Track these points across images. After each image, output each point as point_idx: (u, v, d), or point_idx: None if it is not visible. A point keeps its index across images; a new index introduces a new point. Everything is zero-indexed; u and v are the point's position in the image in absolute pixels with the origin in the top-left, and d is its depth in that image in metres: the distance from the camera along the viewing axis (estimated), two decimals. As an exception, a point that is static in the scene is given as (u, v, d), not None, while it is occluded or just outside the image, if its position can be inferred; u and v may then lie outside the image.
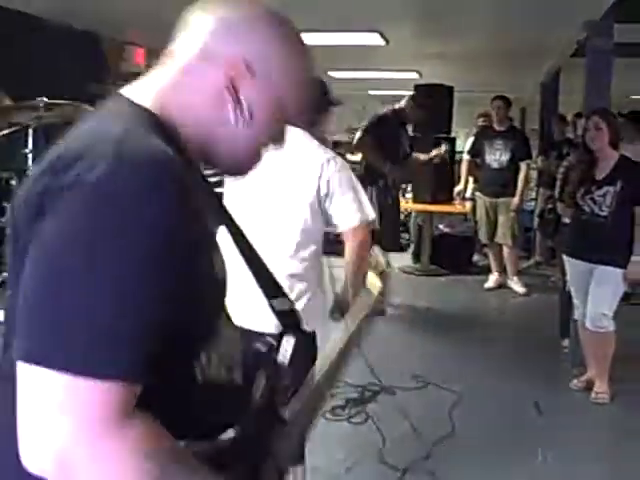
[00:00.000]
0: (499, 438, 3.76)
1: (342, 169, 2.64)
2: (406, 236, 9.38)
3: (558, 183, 4.94)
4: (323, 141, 2.83)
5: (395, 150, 6.12)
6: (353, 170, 2.91)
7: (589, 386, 4.36)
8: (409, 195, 7.90)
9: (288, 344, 1.07)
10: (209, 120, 0.95)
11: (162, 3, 3.62)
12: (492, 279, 7.26)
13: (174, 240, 0.79)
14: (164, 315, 0.78)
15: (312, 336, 0.94)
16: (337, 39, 6.66)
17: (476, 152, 7.29)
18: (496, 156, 6.96)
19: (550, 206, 5.74)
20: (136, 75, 0.99)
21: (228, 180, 2.58)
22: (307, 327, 2.21)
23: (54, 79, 5.63)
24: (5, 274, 3.64)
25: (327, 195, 2.59)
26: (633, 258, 4.04)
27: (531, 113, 11.84)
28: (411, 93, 6.53)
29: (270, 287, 1.11)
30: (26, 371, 0.75)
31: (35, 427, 0.75)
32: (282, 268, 2.38)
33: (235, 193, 2.57)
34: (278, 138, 1.05)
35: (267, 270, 1.12)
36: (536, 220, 7.90)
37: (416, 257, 8.18)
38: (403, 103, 6.28)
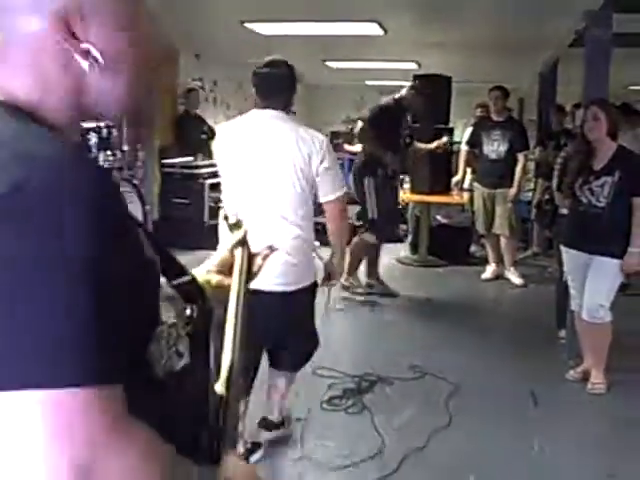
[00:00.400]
0: (496, 428, 3.77)
1: (331, 150, 3.16)
2: (404, 227, 9.38)
3: (556, 174, 4.94)
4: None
5: (396, 140, 6.11)
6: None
7: (585, 377, 4.37)
8: (407, 186, 7.89)
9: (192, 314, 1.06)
10: (66, 81, 0.88)
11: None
12: (489, 270, 7.27)
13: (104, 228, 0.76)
14: (117, 304, 0.76)
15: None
16: (335, 29, 6.65)
17: (474, 143, 7.29)
18: (494, 147, 6.96)
19: (547, 197, 5.75)
20: None
21: (219, 154, 3.29)
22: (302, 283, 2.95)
23: None
24: None
25: (318, 169, 3.05)
26: (629, 249, 4.05)
27: (529, 104, 11.82)
28: (411, 82, 6.50)
29: (172, 268, 1.09)
30: (17, 400, 0.71)
31: (41, 456, 0.71)
32: (285, 230, 3.01)
33: (230, 168, 3.16)
34: (156, 69, 1.01)
35: (166, 252, 1.10)
36: (533, 211, 7.91)
37: (414, 248, 8.17)
38: (404, 92, 6.27)
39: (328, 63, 9.46)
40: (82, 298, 0.73)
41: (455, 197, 7.91)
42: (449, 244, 7.87)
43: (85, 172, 0.78)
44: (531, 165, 8.45)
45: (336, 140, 10.58)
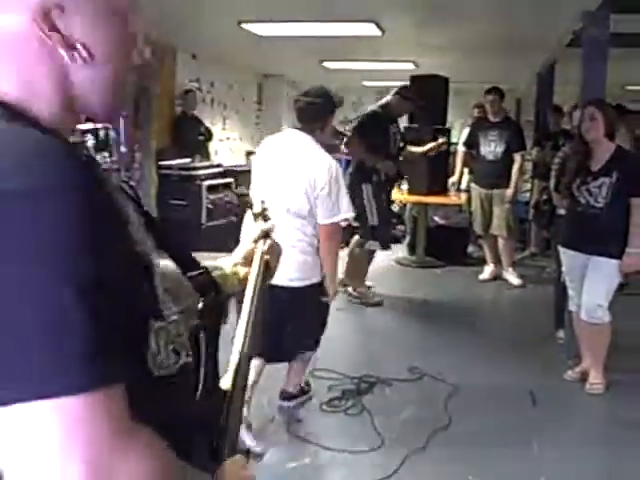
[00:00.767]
0: (495, 429, 3.77)
1: (338, 177, 3.55)
2: (402, 228, 9.38)
3: (553, 174, 4.94)
4: (334, 135, 3.89)
5: (386, 145, 6.08)
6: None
7: (584, 377, 4.37)
8: (405, 187, 7.89)
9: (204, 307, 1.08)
10: (51, 77, 0.86)
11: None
12: (487, 270, 7.27)
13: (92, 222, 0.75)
14: (109, 304, 0.75)
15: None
16: (332, 29, 6.64)
17: (471, 144, 7.31)
18: (491, 147, 6.97)
19: (545, 197, 5.74)
20: None
21: (256, 166, 3.79)
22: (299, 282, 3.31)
23: None
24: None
25: (318, 194, 3.47)
26: (627, 249, 4.05)
27: (526, 104, 11.83)
28: (398, 86, 6.49)
29: (186, 262, 1.09)
30: (21, 411, 0.70)
31: (52, 465, 0.70)
32: (299, 232, 3.50)
33: (261, 179, 3.67)
34: (141, 59, 0.98)
35: (180, 248, 1.11)
36: (531, 211, 7.92)
37: (411, 249, 8.18)
38: (389, 97, 6.27)
39: (325, 64, 9.45)
40: (74, 300, 0.71)
41: (452, 198, 7.92)
42: (447, 245, 7.88)
43: (68, 172, 0.75)
44: (528, 165, 8.46)
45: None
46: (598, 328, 4.22)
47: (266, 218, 1.45)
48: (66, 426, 0.70)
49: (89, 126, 5.61)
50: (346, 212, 3.57)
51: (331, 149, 3.91)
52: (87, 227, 0.74)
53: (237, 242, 5.03)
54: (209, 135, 8.53)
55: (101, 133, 5.87)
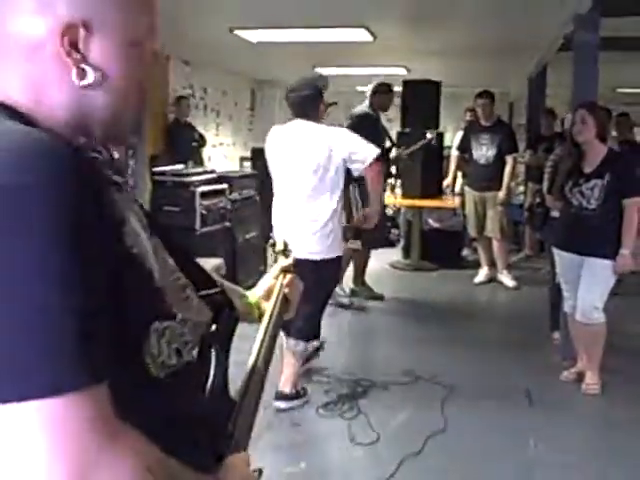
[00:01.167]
0: (491, 431, 3.78)
1: (346, 135, 4.08)
2: (396, 231, 9.40)
3: (546, 177, 4.96)
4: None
5: (377, 145, 6.08)
6: None
7: (580, 378, 4.39)
8: (398, 191, 7.90)
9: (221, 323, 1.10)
10: (56, 93, 0.86)
11: None
12: (482, 273, 7.29)
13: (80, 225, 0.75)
14: (95, 305, 0.75)
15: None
16: (324, 35, 6.66)
17: (464, 147, 7.33)
18: (482, 151, 7.00)
19: (539, 200, 5.76)
20: None
21: (270, 154, 4.24)
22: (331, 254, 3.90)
23: None
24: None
25: (347, 156, 3.91)
26: (621, 251, 4.06)
27: (519, 108, 11.87)
28: (373, 84, 6.52)
29: (200, 279, 1.11)
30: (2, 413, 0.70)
31: (36, 465, 0.70)
32: (327, 215, 3.92)
33: (277, 167, 4.17)
34: (148, 84, 0.97)
35: (195, 263, 1.13)
36: (525, 214, 7.95)
37: (406, 252, 8.19)
38: (368, 97, 6.33)
39: (318, 69, 9.47)
40: (58, 299, 0.72)
41: (447, 201, 7.93)
42: (441, 248, 7.89)
43: (60, 170, 0.76)
44: (521, 168, 8.50)
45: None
46: (593, 329, 4.23)
47: (287, 255, 1.50)
48: (49, 427, 0.70)
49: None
50: (374, 151, 3.97)
51: None
52: (73, 225, 0.74)
53: (230, 247, 5.00)
54: (202, 141, 8.53)
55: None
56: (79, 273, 0.73)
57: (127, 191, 1.00)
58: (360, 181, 6.02)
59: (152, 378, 0.91)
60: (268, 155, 4.28)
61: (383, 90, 6.46)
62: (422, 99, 7.38)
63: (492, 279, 7.23)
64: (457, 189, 8.22)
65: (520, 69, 8.93)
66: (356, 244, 6.05)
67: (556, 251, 4.50)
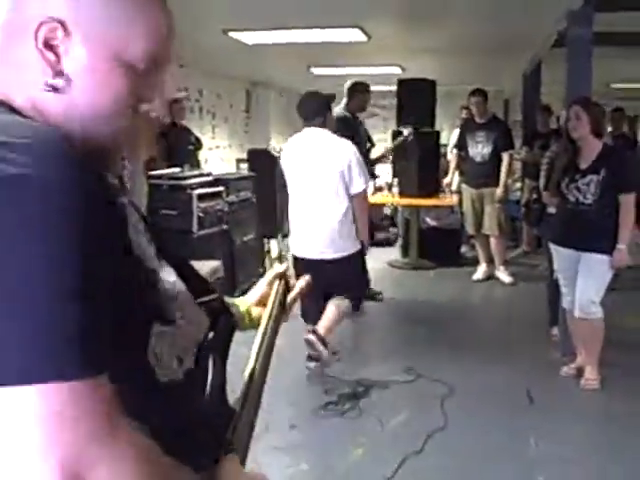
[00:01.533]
0: (492, 428, 3.78)
1: (354, 152, 4.38)
2: (394, 230, 9.40)
3: (543, 173, 4.97)
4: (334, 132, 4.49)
5: (359, 147, 6.01)
6: None
7: (579, 373, 4.39)
8: (395, 190, 7.91)
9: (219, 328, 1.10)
10: (40, 96, 0.85)
11: None
12: (480, 270, 7.29)
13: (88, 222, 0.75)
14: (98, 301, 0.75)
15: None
16: (318, 36, 6.66)
17: (461, 145, 7.33)
18: (478, 149, 7.01)
19: (535, 196, 5.77)
20: None
21: (285, 163, 4.58)
22: (343, 253, 4.40)
23: None
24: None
25: (348, 173, 4.30)
26: (617, 245, 4.07)
27: (514, 105, 11.88)
28: (348, 84, 6.43)
29: (197, 286, 1.11)
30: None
31: (30, 452, 0.70)
32: (341, 219, 4.33)
33: (293, 174, 4.49)
34: (149, 96, 0.93)
35: (192, 270, 1.12)
36: (522, 210, 7.95)
37: (404, 251, 8.20)
38: (345, 98, 6.27)
39: (313, 69, 9.48)
40: (64, 288, 0.72)
41: (444, 199, 7.93)
42: (439, 246, 7.89)
43: (73, 166, 0.76)
44: (518, 165, 8.50)
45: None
46: (592, 324, 4.24)
47: (282, 261, 1.50)
48: (48, 412, 0.70)
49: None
50: (367, 180, 4.47)
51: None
52: (84, 218, 0.75)
53: (228, 250, 5.03)
54: (199, 144, 8.52)
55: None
56: (85, 265, 0.74)
57: (126, 195, 1.00)
58: None
59: (155, 381, 0.91)
60: (284, 162, 4.62)
61: (360, 90, 6.34)
62: (417, 98, 7.36)
63: (490, 276, 7.24)
64: (454, 187, 8.23)
65: (515, 66, 8.94)
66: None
67: (553, 247, 4.50)
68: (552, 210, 4.63)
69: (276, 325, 1.32)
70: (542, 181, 4.91)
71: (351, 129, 5.93)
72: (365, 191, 4.46)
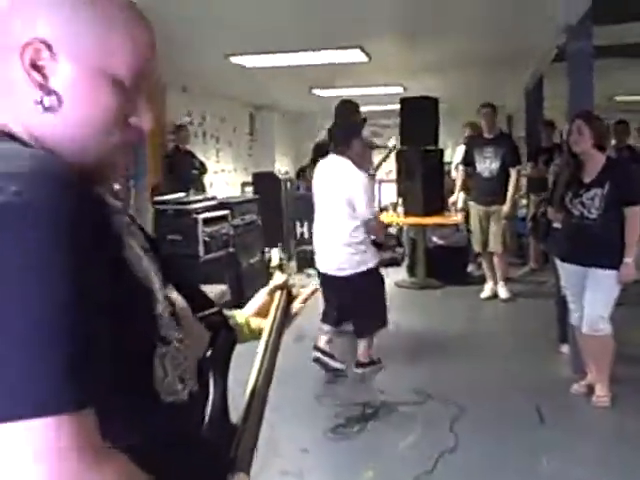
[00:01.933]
0: (503, 448, 3.72)
1: (362, 183, 4.67)
2: (400, 250, 9.37)
3: (550, 188, 4.94)
4: (361, 157, 4.84)
5: None
6: None
7: (590, 390, 4.33)
8: (400, 209, 7.89)
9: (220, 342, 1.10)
10: (29, 116, 0.86)
11: None
12: (487, 288, 7.25)
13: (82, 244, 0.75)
14: (93, 329, 0.75)
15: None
16: (319, 57, 6.69)
17: (468, 162, 7.27)
18: (486, 164, 6.97)
19: (543, 209, 5.75)
20: None
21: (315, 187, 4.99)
22: (362, 268, 4.76)
23: None
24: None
25: (353, 202, 4.63)
26: (624, 260, 4.03)
27: (517, 121, 11.88)
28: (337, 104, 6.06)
29: (197, 300, 1.11)
30: None
31: None
32: (348, 239, 4.66)
33: (316, 196, 4.92)
34: (137, 111, 0.94)
35: (193, 287, 1.13)
36: (529, 224, 7.91)
37: (411, 270, 8.16)
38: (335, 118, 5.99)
39: (315, 91, 9.52)
40: (51, 319, 0.71)
41: (450, 217, 7.90)
42: (446, 265, 7.85)
43: (63, 189, 0.76)
44: (523, 181, 8.47)
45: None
46: (601, 340, 4.19)
47: (283, 271, 1.49)
48: (33, 447, 0.70)
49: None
50: (373, 211, 4.81)
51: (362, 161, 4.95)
52: (74, 245, 0.74)
53: (235, 273, 4.99)
54: (203, 169, 8.56)
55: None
56: (77, 294, 0.73)
57: (126, 215, 1.00)
58: None
59: (159, 401, 0.91)
60: (314, 186, 5.05)
61: (348, 110, 5.92)
62: (420, 116, 7.38)
63: (497, 293, 7.19)
64: (460, 204, 8.19)
65: (516, 82, 8.96)
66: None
67: (559, 263, 4.47)
68: (558, 225, 4.60)
69: (278, 336, 1.30)
70: (548, 196, 4.88)
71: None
72: (371, 220, 4.72)
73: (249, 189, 9.88)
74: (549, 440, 3.79)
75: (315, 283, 3.64)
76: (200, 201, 6.57)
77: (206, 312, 1.12)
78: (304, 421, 4.19)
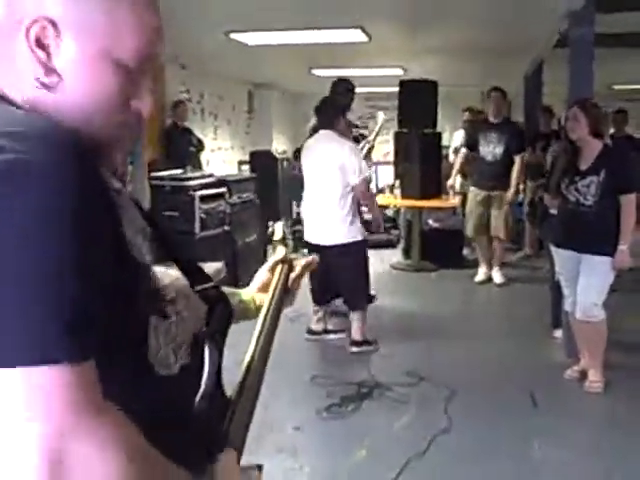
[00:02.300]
0: (495, 431, 3.77)
1: (351, 149, 4.96)
2: (396, 232, 9.39)
3: (547, 173, 4.96)
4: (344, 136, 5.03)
5: None
6: None
7: (583, 376, 4.38)
8: (397, 191, 7.89)
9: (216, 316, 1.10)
10: (33, 92, 0.86)
11: None
12: (481, 272, 7.27)
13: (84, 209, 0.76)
14: (91, 289, 0.76)
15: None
16: (320, 37, 6.65)
17: (472, 145, 7.26)
18: (490, 148, 6.96)
19: (539, 195, 5.77)
20: None
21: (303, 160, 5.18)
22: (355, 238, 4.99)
23: None
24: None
25: (345, 166, 4.81)
26: (619, 246, 4.05)
27: (517, 106, 11.86)
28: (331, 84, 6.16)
29: (194, 274, 1.11)
30: None
31: (10, 435, 0.71)
32: (336, 209, 4.84)
33: (307, 170, 5.10)
34: (139, 94, 0.94)
35: (190, 261, 1.13)
36: (526, 209, 7.94)
37: (406, 253, 8.18)
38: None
39: (314, 71, 9.47)
40: (53, 273, 0.72)
41: (447, 201, 7.90)
42: (442, 248, 7.87)
43: (67, 155, 0.77)
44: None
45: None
46: (594, 326, 4.22)
47: (286, 244, 1.49)
48: (32, 393, 0.71)
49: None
50: (362, 176, 4.86)
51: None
52: (77, 206, 0.75)
53: (231, 251, 5.03)
54: (201, 146, 8.53)
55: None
56: (80, 250, 0.74)
57: (124, 192, 1.00)
58: None
59: (153, 373, 0.91)
60: (302, 161, 5.24)
61: (338, 90, 6.01)
62: (419, 99, 7.36)
63: (491, 277, 7.22)
64: (457, 188, 8.19)
65: (516, 67, 8.93)
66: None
67: (554, 249, 4.49)
68: (554, 212, 4.62)
69: (278, 310, 1.31)
70: (544, 182, 4.90)
71: None
72: (362, 184, 4.89)
73: (246, 167, 9.85)
74: (541, 424, 3.84)
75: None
76: (197, 178, 6.55)
77: (202, 286, 1.11)
78: (298, 400, 4.22)
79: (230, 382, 1.09)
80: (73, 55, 0.86)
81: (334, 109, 5.09)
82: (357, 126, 7.06)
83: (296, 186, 8.51)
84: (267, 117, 11.82)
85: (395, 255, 8.41)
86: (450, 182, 7.76)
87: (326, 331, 5.31)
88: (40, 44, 0.84)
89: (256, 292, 1.41)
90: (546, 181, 4.72)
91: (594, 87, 4.89)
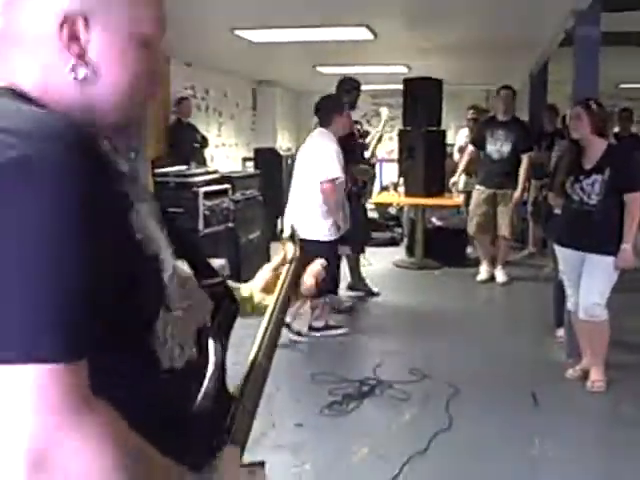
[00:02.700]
0: (497, 430, 3.76)
1: (329, 148, 5.03)
2: (399, 230, 9.39)
3: (551, 172, 4.95)
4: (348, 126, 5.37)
5: (350, 155, 5.87)
6: None
7: (585, 375, 4.37)
8: (401, 189, 7.89)
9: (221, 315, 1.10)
10: (63, 83, 0.88)
11: None
12: (483, 270, 7.25)
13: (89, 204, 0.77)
14: (89, 284, 0.76)
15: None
16: (325, 34, 6.65)
17: (479, 142, 7.21)
18: (497, 146, 6.93)
19: (545, 193, 5.76)
20: None
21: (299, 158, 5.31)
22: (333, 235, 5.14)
23: None
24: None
25: (317, 165, 4.99)
26: (622, 246, 4.04)
27: (521, 104, 11.83)
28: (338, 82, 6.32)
29: (203, 269, 1.13)
30: None
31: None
32: (309, 206, 4.97)
33: (295, 167, 5.30)
34: (152, 77, 0.97)
35: (198, 256, 1.14)
36: (530, 208, 7.92)
37: (410, 251, 8.18)
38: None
39: (319, 68, 9.47)
40: (49, 270, 0.73)
41: (451, 199, 7.88)
42: (445, 246, 7.86)
43: (69, 149, 0.77)
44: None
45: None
46: (596, 326, 4.22)
47: (295, 241, 1.47)
48: (23, 390, 0.71)
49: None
50: (329, 176, 4.93)
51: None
52: (79, 201, 0.75)
53: (234, 248, 5.03)
54: (205, 142, 8.54)
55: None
56: (79, 247, 0.75)
57: (139, 183, 1.01)
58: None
59: (159, 367, 0.92)
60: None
61: (341, 87, 6.23)
62: (424, 97, 7.35)
63: (493, 276, 7.21)
64: (461, 186, 8.17)
65: (521, 65, 8.92)
66: (345, 250, 6.04)
67: (557, 248, 4.49)
68: (558, 211, 4.61)
69: (283, 310, 1.30)
70: (548, 181, 4.89)
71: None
72: (327, 182, 4.94)
73: (250, 164, 9.86)
74: (543, 423, 3.83)
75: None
76: (201, 174, 6.56)
77: (210, 281, 1.13)
78: (300, 397, 4.22)
79: (233, 379, 1.09)
80: (104, 46, 0.88)
81: (330, 108, 5.19)
82: (357, 122, 7.05)
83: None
84: (271, 114, 11.81)
85: (398, 253, 8.41)
86: (453, 179, 7.74)
87: (327, 327, 5.31)
88: (73, 38, 0.86)
89: (259, 291, 1.40)
90: (550, 180, 4.71)
91: (600, 86, 4.88)
